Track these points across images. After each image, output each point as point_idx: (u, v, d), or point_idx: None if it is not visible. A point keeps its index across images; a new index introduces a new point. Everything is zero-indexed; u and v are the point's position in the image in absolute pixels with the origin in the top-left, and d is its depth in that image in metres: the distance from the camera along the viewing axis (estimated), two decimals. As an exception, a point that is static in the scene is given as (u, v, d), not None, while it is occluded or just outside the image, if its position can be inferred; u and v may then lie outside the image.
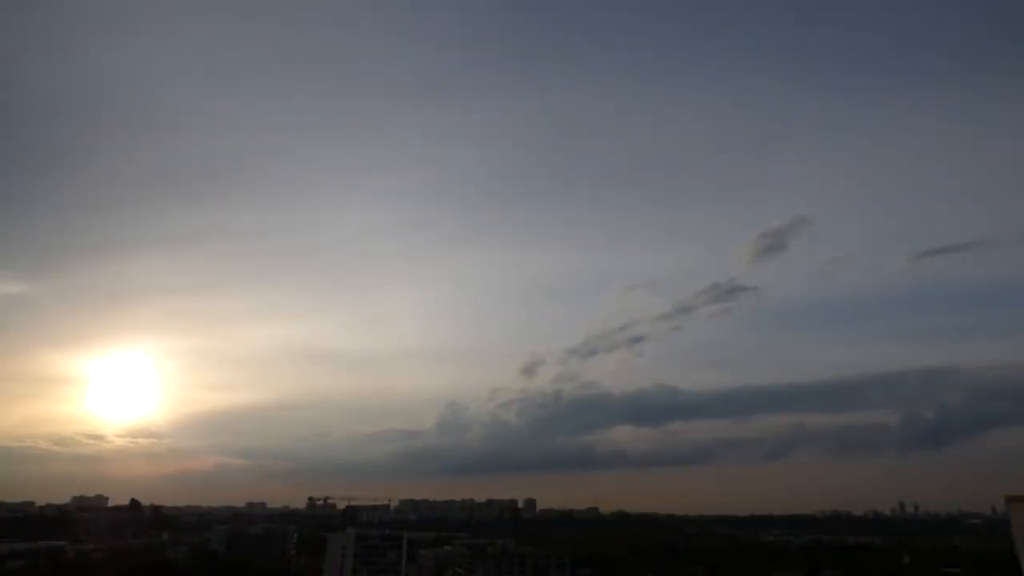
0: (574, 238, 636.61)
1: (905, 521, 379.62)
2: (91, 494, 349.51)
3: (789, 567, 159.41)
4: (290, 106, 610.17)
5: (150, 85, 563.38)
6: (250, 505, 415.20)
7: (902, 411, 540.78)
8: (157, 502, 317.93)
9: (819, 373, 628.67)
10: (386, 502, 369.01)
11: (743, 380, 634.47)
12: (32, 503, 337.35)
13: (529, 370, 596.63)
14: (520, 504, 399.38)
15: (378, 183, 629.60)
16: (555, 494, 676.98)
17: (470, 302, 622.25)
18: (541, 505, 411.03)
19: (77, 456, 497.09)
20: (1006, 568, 78.26)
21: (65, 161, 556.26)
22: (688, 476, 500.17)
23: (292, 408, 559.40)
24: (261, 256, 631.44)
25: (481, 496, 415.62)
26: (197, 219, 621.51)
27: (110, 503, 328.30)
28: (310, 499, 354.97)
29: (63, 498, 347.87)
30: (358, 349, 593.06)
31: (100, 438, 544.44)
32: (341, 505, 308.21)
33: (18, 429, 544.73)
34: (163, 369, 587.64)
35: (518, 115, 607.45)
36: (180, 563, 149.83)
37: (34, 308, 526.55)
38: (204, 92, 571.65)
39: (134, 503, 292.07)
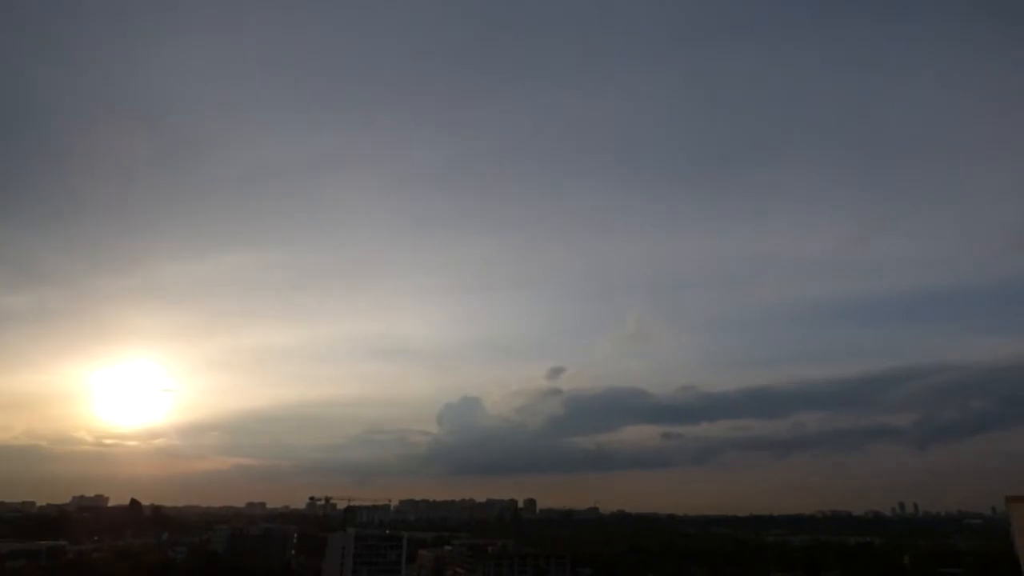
0: (640, 225, 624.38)
1: (905, 521, 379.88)
2: (91, 494, 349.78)
3: (789, 567, 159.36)
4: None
5: (195, 97, 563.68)
6: (250, 505, 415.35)
7: (909, 412, 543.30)
8: (157, 502, 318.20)
9: (823, 374, 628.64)
10: (386, 502, 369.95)
11: (770, 380, 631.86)
12: (32, 503, 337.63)
13: (556, 370, 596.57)
14: (520, 504, 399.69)
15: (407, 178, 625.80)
16: (555, 494, 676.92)
17: (504, 299, 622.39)
18: (541, 505, 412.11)
19: (77, 456, 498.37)
20: (1006, 568, 78.23)
21: (95, 169, 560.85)
22: (688, 476, 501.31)
23: (299, 408, 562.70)
24: (270, 263, 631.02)
25: (481, 496, 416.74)
26: (215, 230, 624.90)
27: (110, 503, 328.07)
28: (310, 499, 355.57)
29: (63, 498, 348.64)
30: (369, 351, 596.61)
31: (101, 438, 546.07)
32: (341, 505, 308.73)
33: (22, 429, 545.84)
34: (166, 372, 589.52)
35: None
36: (180, 563, 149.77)
37: (42, 309, 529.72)
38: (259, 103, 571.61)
39: (134, 503, 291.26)
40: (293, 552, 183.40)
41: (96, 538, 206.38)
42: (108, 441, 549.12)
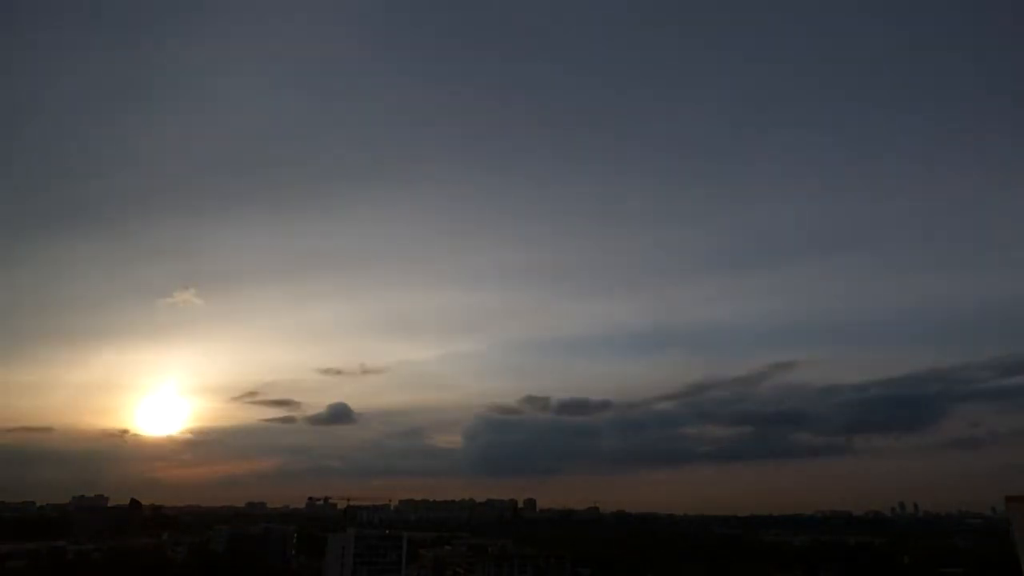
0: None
1: (905, 521, 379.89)
2: (91, 494, 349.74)
3: (789, 567, 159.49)
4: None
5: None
6: (250, 505, 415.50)
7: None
8: (157, 502, 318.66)
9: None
10: (386, 502, 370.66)
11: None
12: (32, 503, 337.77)
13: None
14: (520, 504, 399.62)
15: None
16: (555, 494, 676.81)
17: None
18: (541, 505, 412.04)
19: (77, 456, 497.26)
20: (1006, 568, 78.29)
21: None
22: (688, 476, 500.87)
23: (302, 408, 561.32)
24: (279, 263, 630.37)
25: (481, 496, 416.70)
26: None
27: (110, 503, 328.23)
28: (310, 499, 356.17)
29: (63, 498, 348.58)
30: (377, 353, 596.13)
31: (103, 438, 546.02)
32: (341, 505, 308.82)
33: (23, 428, 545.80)
34: (167, 374, 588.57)
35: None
36: (180, 563, 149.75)
37: (44, 306, 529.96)
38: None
39: (134, 503, 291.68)
40: (293, 552, 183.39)
41: (96, 538, 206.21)
42: (110, 441, 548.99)
